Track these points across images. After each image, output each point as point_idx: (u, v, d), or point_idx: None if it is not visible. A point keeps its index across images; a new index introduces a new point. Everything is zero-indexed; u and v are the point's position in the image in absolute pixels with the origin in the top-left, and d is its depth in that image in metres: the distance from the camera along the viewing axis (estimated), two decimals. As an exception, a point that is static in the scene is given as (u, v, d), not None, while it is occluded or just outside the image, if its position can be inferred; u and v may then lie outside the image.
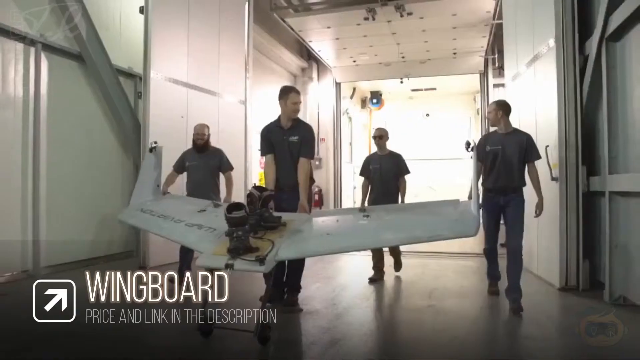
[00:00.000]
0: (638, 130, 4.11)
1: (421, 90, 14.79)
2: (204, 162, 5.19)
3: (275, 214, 3.57)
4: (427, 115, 15.95)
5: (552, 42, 5.09)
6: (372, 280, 5.51)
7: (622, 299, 4.28)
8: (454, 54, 11.42)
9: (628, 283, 4.20)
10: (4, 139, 5.33)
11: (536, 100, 5.66)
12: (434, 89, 14.67)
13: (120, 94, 6.66)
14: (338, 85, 12.92)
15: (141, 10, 6.42)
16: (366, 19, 9.10)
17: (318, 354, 3.23)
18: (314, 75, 12.52)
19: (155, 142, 4.54)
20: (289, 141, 4.28)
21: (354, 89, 14.57)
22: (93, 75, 6.35)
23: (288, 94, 4.27)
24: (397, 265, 5.86)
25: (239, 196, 5.56)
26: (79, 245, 6.14)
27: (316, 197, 12.24)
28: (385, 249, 5.68)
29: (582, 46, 4.95)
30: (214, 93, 7.47)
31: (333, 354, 3.22)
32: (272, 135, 4.35)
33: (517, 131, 4.48)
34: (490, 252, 4.62)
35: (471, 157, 3.66)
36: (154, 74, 6.35)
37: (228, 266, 3.08)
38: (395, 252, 5.82)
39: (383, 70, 12.25)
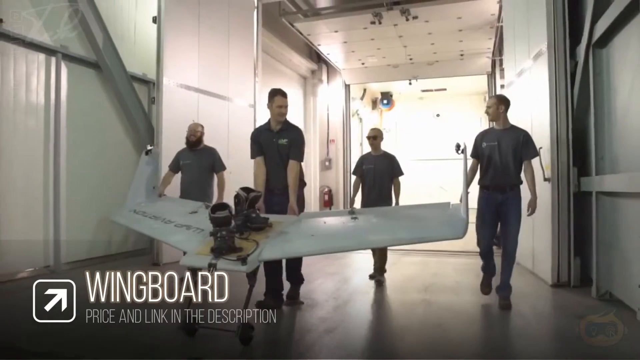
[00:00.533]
0: (621, 134, 4.27)
1: (431, 91, 14.86)
2: (198, 160, 5.35)
3: (265, 215, 3.67)
4: (438, 115, 16.00)
5: (544, 48, 5.26)
6: (372, 277, 5.74)
7: (608, 295, 4.44)
8: (461, 55, 11.53)
9: (613, 279, 4.35)
10: (28, 145, 5.69)
11: (531, 103, 5.82)
12: (444, 89, 14.73)
13: (135, 99, 6.99)
14: (347, 87, 13.10)
15: (154, 20, 6.73)
16: (373, 23, 9.34)
17: (313, 341, 3.48)
18: (324, 77, 12.70)
19: (151, 145, 4.70)
20: (278, 144, 4.32)
21: (365, 90, 14.72)
22: (109, 82, 6.68)
23: (273, 98, 4.30)
24: (380, 275, 5.53)
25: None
26: (96, 243, 6.50)
27: (326, 197, 12.47)
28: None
29: (573, 52, 5.10)
30: (224, 97, 7.71)
31: (327, 340, 3.48)
32: (262, 138, 4.39)
33: (514, 128, 4.42)
34: (485, 256, 4.54)
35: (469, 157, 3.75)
36: (167, 80, 6.65)
37: (211, 266, 3.08)
38: (382, 260, 5.55)
39: (391, 72, 12.40)
